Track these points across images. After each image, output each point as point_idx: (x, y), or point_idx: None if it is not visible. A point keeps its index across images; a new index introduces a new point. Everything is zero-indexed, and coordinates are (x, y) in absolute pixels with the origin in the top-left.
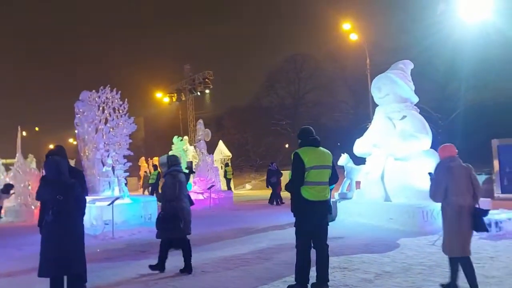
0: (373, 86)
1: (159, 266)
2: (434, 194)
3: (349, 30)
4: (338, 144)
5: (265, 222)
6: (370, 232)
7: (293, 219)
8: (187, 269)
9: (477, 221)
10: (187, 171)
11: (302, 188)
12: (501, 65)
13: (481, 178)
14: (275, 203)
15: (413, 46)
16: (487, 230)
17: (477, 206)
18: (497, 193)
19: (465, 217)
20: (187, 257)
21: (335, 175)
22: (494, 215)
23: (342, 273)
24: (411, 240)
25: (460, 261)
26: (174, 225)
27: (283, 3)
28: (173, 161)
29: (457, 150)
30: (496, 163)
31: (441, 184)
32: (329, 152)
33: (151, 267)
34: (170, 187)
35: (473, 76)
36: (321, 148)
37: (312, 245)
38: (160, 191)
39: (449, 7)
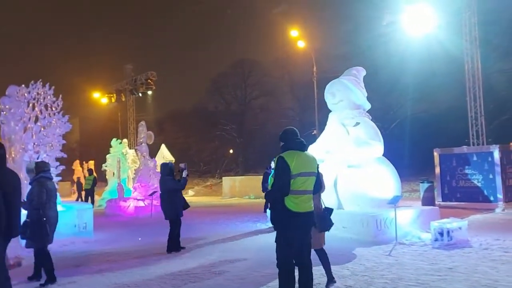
0: (326, 91)
1: (50, 278)
2: None
3: (297, 37)
4: None
5: (214, 231)
6: None
7: (245, 228)
8: (51, 280)
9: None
10: (184, 174)
11: (286, 197)
12: (443, 78)
13: (423, 186)
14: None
15: (358, 56)
16: (326, 229)
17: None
18: (438, 201)
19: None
20: (50, 267)
21: (319, 183)
22: (446, 224)
23: None
24: (367, 250)
25: (317, 252)
26: (41, 234)
27: (232, 8)
28: (42, 168)
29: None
30: (437, 172)
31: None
32: (315, 157)
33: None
34: (37, 195)
35: (415, 87)
36: (306, 152)
37: (294, 262)
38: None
39: (395, 18)
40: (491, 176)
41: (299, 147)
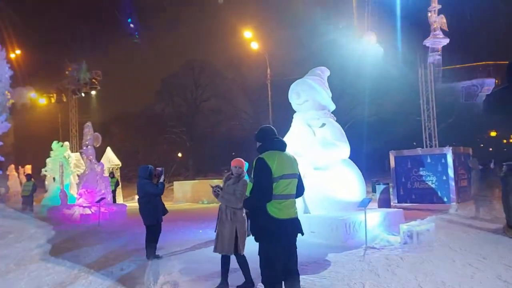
0: (291, 91)
1: None
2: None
3: (250, 39)
4: (233, 153)
5: (171, 240)
6: None
7: (205, 236)
8: None
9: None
10: (162, 179)
11: (269, 203)
12: (395, 81)
13: (379, 188)
14: None
15: (311, 59)
16: None
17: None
18: (394, 202)
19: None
20: None
21: (302, 186)
22: (415, 226)
23: None
24: (339, 256)
25: (237, 259)
26: None
27: (182, 7)
28: None
29: (245, 163)
30: (393, 174)
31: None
32: (295, 158)
33: None
34: None
35: (369, 91)
36: (287, 152)
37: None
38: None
39: (350, 22)
40: (444, 178)
41: (279, 147)
